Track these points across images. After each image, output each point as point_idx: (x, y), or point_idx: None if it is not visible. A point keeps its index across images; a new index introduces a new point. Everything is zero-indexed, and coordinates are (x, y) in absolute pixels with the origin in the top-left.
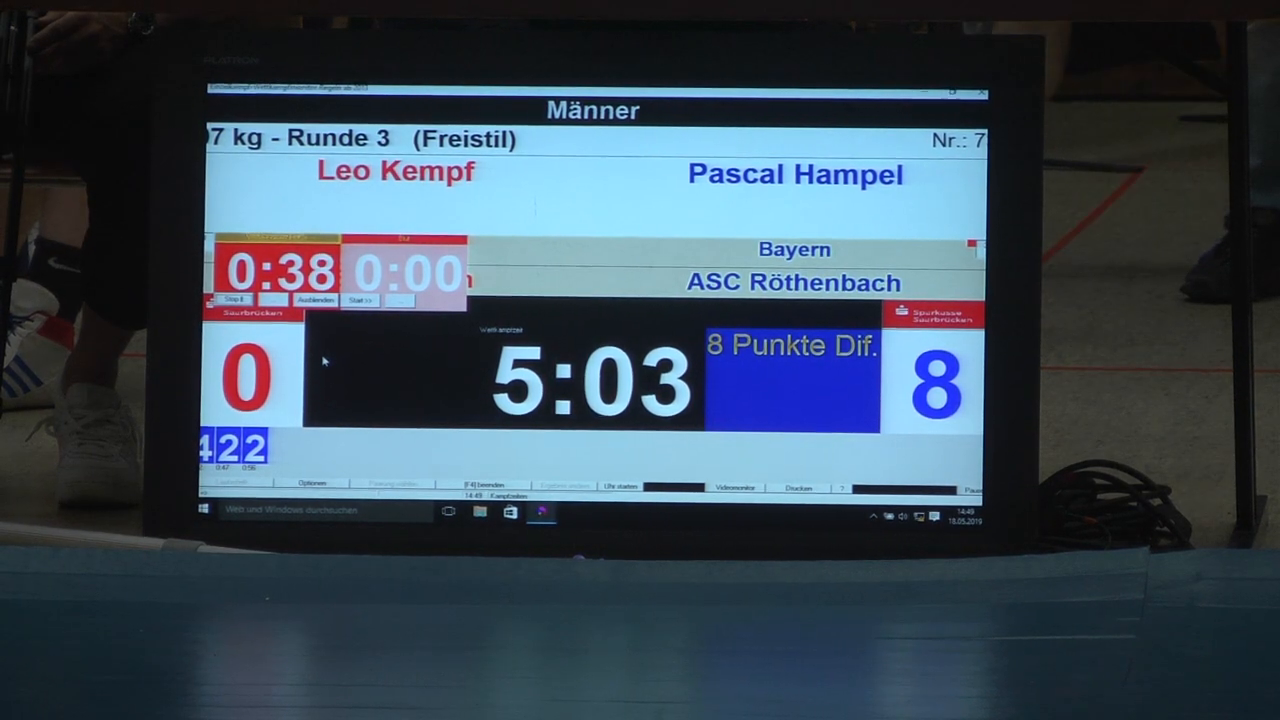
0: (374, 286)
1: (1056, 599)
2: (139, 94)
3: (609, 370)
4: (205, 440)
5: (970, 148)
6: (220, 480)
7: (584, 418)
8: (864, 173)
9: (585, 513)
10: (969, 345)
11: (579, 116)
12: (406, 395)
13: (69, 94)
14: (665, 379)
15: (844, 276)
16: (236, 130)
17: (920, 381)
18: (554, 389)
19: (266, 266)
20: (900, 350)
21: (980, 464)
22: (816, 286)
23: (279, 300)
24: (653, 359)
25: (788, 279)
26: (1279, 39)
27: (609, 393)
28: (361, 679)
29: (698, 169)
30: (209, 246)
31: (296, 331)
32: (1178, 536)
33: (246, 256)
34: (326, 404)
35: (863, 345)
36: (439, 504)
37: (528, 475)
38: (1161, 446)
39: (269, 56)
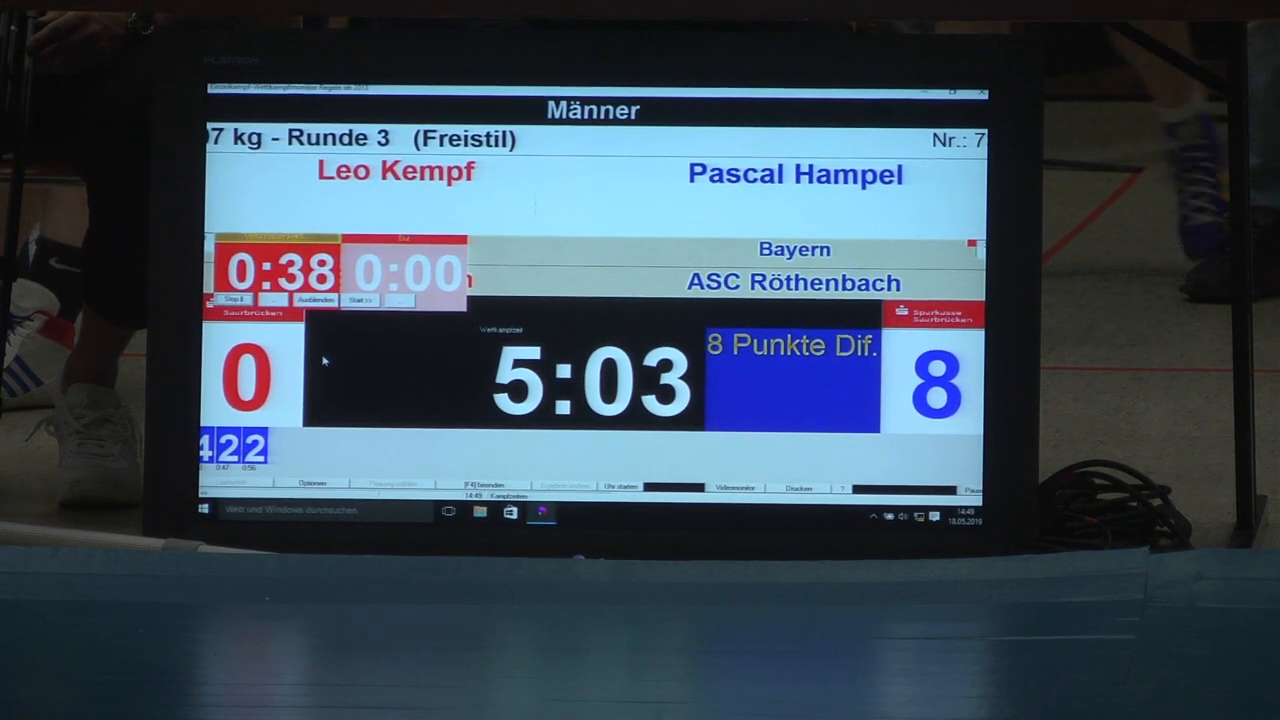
0: (374, 286)
1: (1056, 599)
2: (139, 94)
3: (609, 370)
4: (205, 440)
5: (970, 148)
6: (220, 480)
7: (584, 418)
8: (864, 173)
9: (585, 513)
10: (969, 345)
11: (579, 116)
12: (406, 395)
13: (69, 94)
14: (665, 379)
15: (844, 276)
16: (236, 130)
17: (920, 381)
18: (554, 389)
19: (266, 266)
20: (900, 350)
21: (980, 464)
22: (816, 286)
23: (279, 300)
24: (653, 359)
25: (788, 279)
26: (1278, 39)
27: (609, 393)
28: (361, 679)
29: (698, 169)
30: (209, 246)
31: (296, 331)
32: (1178, 536)
33: (246, 256)
34: (326, 404)
35: (863, 345)
36: (439, 504)
37: (528, 475)
38: (1161, 446)
39: (269, 56)
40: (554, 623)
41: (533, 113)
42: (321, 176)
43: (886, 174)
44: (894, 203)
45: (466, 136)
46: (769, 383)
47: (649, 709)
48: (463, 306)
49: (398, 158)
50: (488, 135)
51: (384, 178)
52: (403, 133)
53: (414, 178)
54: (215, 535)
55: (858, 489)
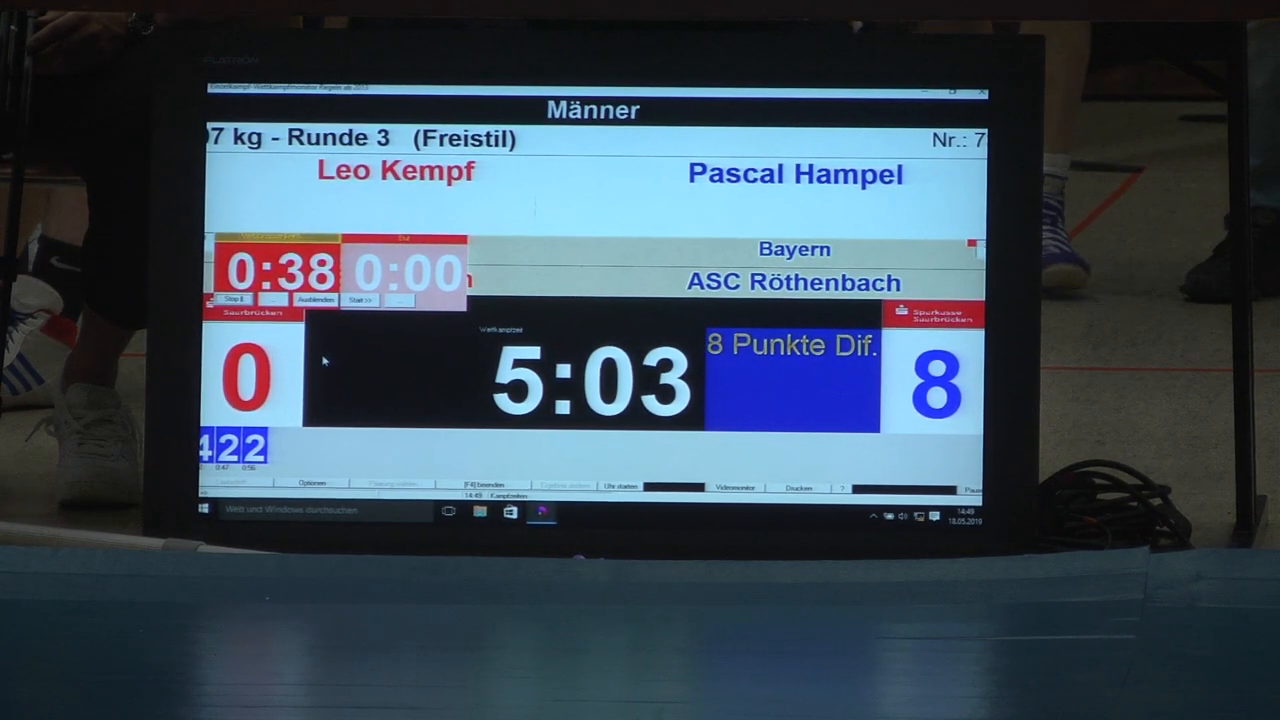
0: (374, 286)
1: (1056, 599)
2: (139, 94)
3: (609, 370)
4: (205, 440)
5: (970, 147)
6: (220, 480)
7: (584, 418)
8: (864, 172)
9: (585, 513)
10: (969, 345)
11: (579, 116)
12: (406, 395)
13: (69, 94)
14: (665, 379)
15: (844, 276)
16: (236, 130)
17: (920, 381)
18: (554, 389)
19: (266, 266)
20: (900, 350)
21: (980, 464)
22: (816, 286)
23: (279, 300)
24: (653, 359)
25: (788, 279)
26: (1278, 39)
27: (609, 393)
28: (361, 679)
29: (698, 169)
30: (209, 246)
31: (296, 331)
32: (1178, 536)
33: (246, 256)
34: (326, 404)
35: (863, 345)
36: (439, 504)
37: (528, 475)
38: (1161, 446)
39: (269, 56)
40: (554, 623)
41: (533, 113)
42: (321, 176)
43: (886, 174)
44: (894, 203)
45: (466, 136)
46: (769, 383)
47: (649, 709)
48: (463, 306)
49: (398, 158)
50: (488, 135)
51: (384, 178)
52: (403, 133)
53: (414, 178)
54: (215, 535)
55: (858, 489)
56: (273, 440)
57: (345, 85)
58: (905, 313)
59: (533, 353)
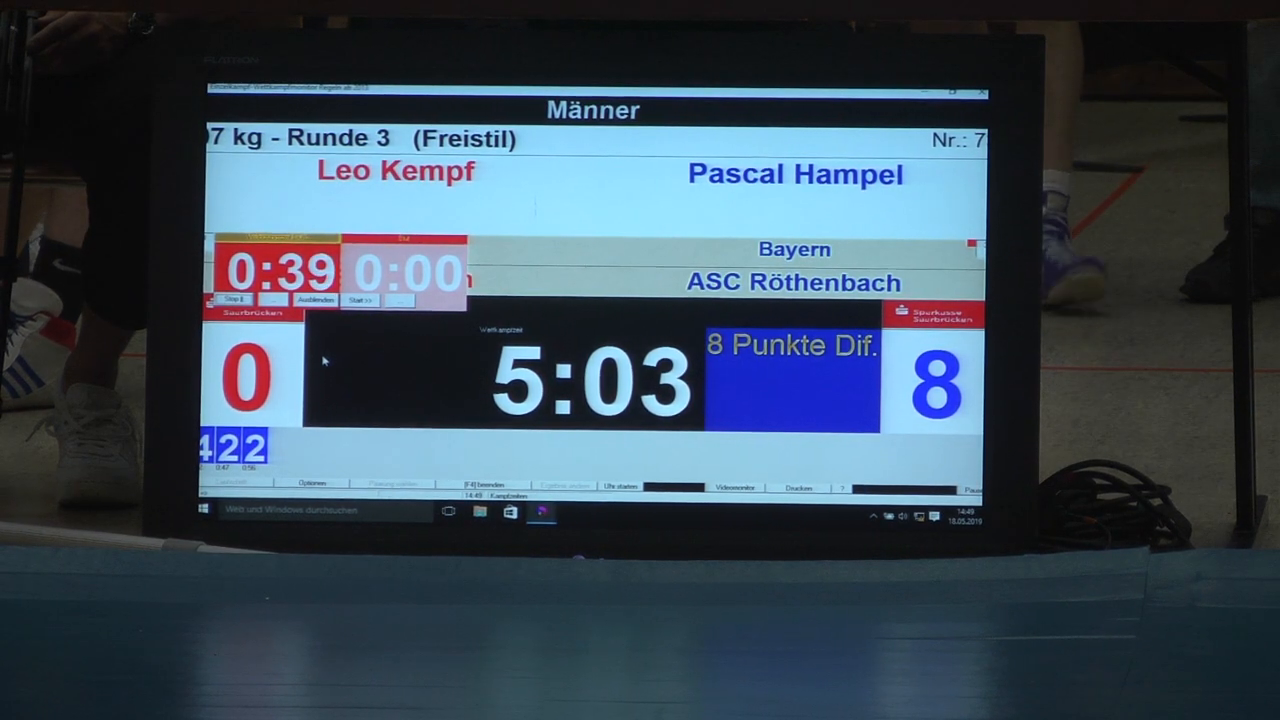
0: (374, 286)
1: (1056, 599)
2: (139, 94)
3: (609, 370)
4: (205, 440)
5: (970, 147)
6: (220, 480)
7: (584, 418)
8: (864, 172)
9: (585, 513)
10: (969, 345)
11: (579, 116)
12: (406, 395)
13: (69, 94)
14: (665, 379)
15: (844, 276)
16: (236, 130)
17: (920, 381)
18: (554, 389)
19: (266, 266)
20: (900, 350)
21: (980, 464)
22: (816, 286)
23: (279, 300)
24: (653, 359)
25: (788, 279)
26: (1278, 39)
27: (609, 393)
28: (361, 679)
29: (698, 169)
30: (209, 246)
31: (296, 331)
32: (1178, 536)
33: (246, 256)
34: (326, 404)
35: (863, 345)
36: (439, 504)
37: (528, 475)
38: (1161, 446)
39: (269, 56)
40: (554, 623)
41: (533, 113)
42: (321, 176)
43: (886, 174)
44: (894, 203)
45: (466, 136)
46: (769, 383)
47: (649, 709)
48: (463, 306)
49: (398, 158)
50: (488, 135)
51: (384, 178)
52: (403, 133)
53: (414, 178)
54: (215, 535)
55: (858, 489)
56: (273, 440)
57: (345, 85)
58: (905, 313)
59: (533, 353)
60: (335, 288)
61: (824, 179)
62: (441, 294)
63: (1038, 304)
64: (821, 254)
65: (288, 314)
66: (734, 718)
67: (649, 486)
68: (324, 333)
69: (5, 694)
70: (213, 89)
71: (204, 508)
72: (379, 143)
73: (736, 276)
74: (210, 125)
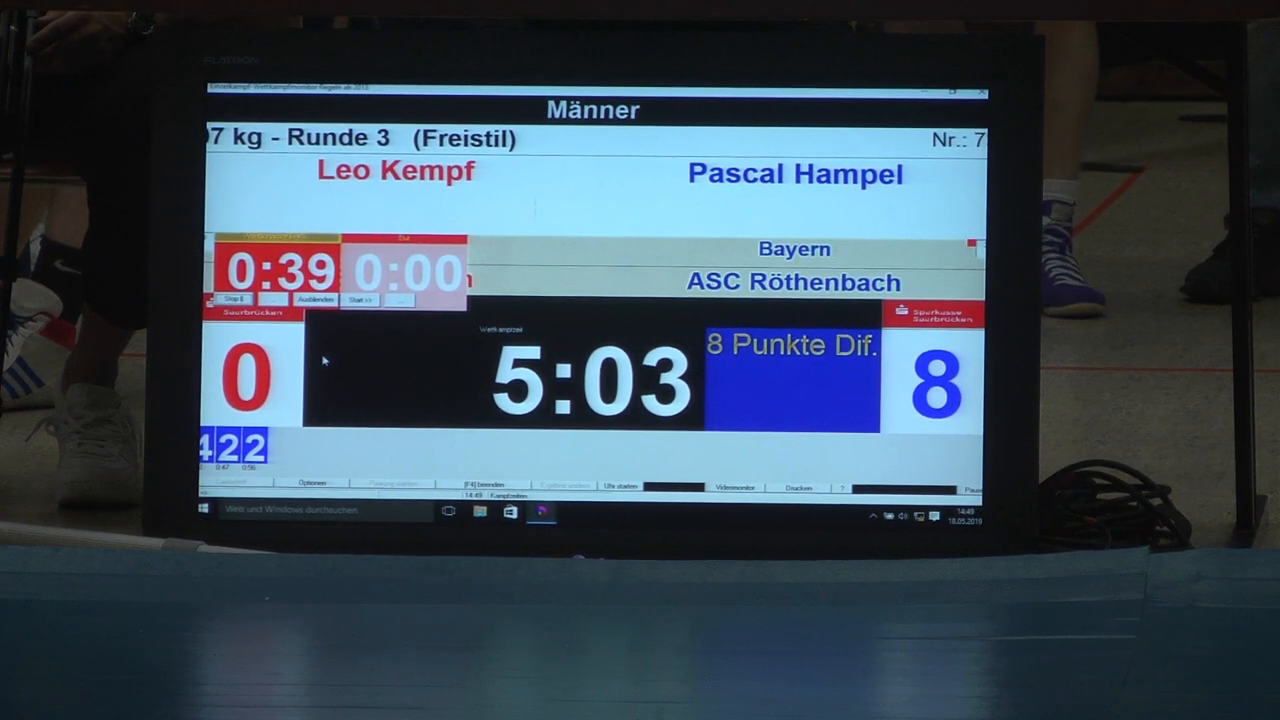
0: (374, 286)
1: (1056, 599)
2: (139, 94)
3: (609, 370)
4: (205, 440)
5: (970, 147)
6: (220, 480)
7: (584, 417)
8: (864, 172)
9: (585, 513)
10: (969, 345)
11: (579, 116)
12: (406, 395)
13: (69, 94)
14: (665, 379)
15: (844, 276)
16: (236, 130)
17: (920, 381)
18: (554, 389)
19: (266, 266)
20: (900, 350)
21: (980, 464)
22: (816, 286)
23: (279, 300)
24: (653, 359)
25: (788, 279)
26: (1278, 39)
27: (609, 392)
28: (361, 679)
29: (698, 169)
30: (209, 246)
31: (296, 331)
32: (1178, 536)
33: (246, 256)
34: (326, 404)
35: (863, 345)
36: (439, 504)
37: (528, 475)
38: (1161, 446)
39: (269, 56)
40: (554, 623)
41: (533, 113)
42: (321, 176)
43: (886, 174)
44: (894, 202)
45: (466, 136)
46: (769, 382)
47: (649, 709)
48: (463, 306)
49: (398, 157)
50: (488, 135)
51: (384, 177)
52: (403, 132)
53: (414, 177)
54: (215, 535)
55: (858, 489)
56: (273, 440)
57: (345, 85)
58: (905, 312)
59: (533, 353)
60: (335, 287)
61: (824, 179)
62: (441, 294)
63: (1038, 304)
64: (821, 254)
65: (288, 314)
66: (734, 718)
67: (649, 486)
68: (324, 333)
69: (5, 694)
70: (213, 89)
71: (204, 508)
72: (379, 142)
73: (736, 276)
74: (210, 125)
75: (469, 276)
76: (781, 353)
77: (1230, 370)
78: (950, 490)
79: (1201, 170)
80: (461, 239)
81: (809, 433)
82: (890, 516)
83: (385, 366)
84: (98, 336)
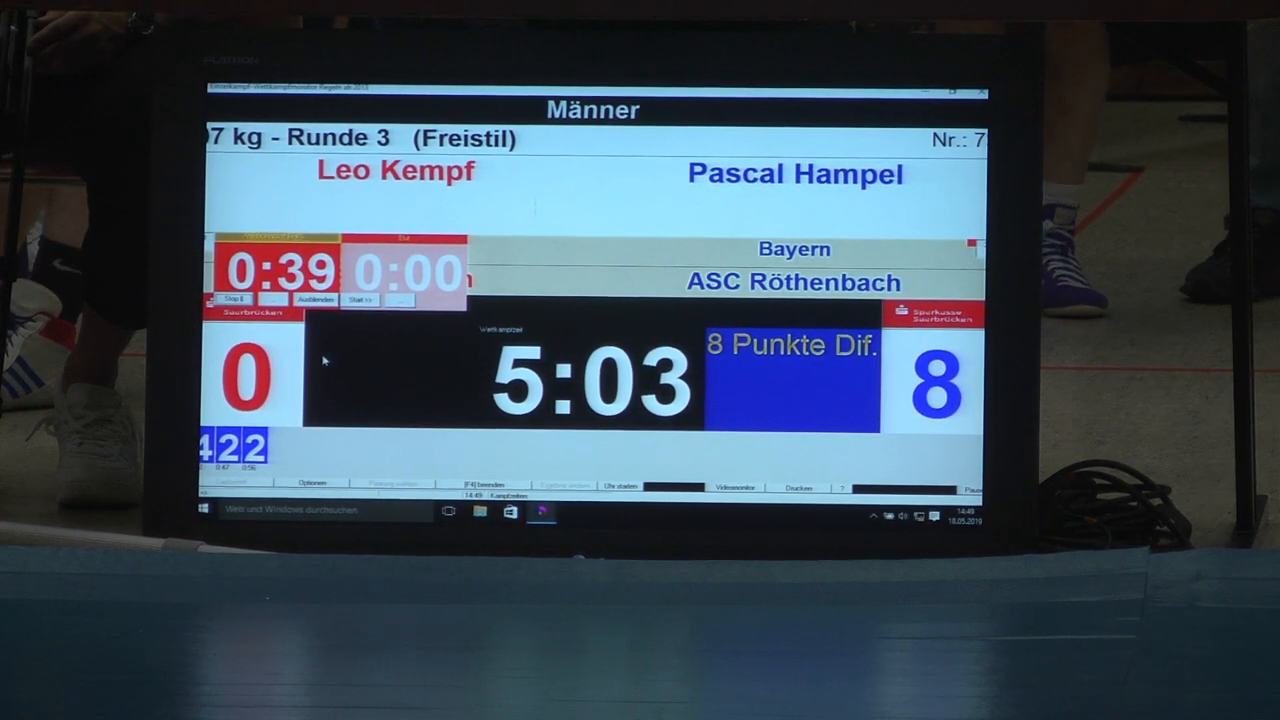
0: (374, 286)
1: (1056, 599)
2: (139, 94)
3: (609, 370)
4: (205, 440)
5: (970, 147)
6: (220, 480)
7: (584, 417)
8: (864, 172)
9: (585, 513)
10: (969, 345)
11: (579, 116)
12: (406, 395)
13: (69, 94)
14: (665, 379)
15: (844, 276)
16: (236, 130)
17: (920, 381)
18: (554, 389)
19: (266, 266)
20: (900, 350)
21: (980, 464)
22: (816, 286)
23: (279, 300)
24: (653, 359)
25: (788, 279)
26: (1279, 39)
27: (609, 392)
28: (361, 679)
29: (698, 169)
30: (209, 246)
31: (296, 331)
32: (1178, 536)
33: (246, 256)
34: (326, 404)
35: (863, 345)
36: (439, 504)
37: (528, 475)
38: (1161, 446)
39: (269, 56)
40: (554, 623)
41: (533, 113)
42: (321, 176)
43: (886, 174)
44: (894, 203)
45: (466, 136)
46: (769, 382)
47: (649, 709)
48: (463, 306)
49: (398, 157)
50: (488, 135)
51: (384, 177)
52: (403, 132)
53: (414, 177)
54: (215, 535)
55: (858, 489)
56: (273, 440)
57: (345, 85)
58: (905, 313)
59: (533, 353)
60: (335, 287)
61: (824, 179)
62: (441, 294)
63: (1038, 304)
64: (821, 254)
65: (288, 314)
66: (734, 718)
67: (649, 486)
68: (324, 333)
69: (5, 694)
70: (213, 89)
71: (204, 508)
72: (379, 142)
73: (736, 276)
74: (210, 125)
75: (469, 276)
76: (781, 353)
77: (1230, 370)
78: (950, 490)
79: (1201, 170)
80: (461, 239)
81: (809, 433)
82: (890, 516)
83: (385, 366)
84: (98, 336)
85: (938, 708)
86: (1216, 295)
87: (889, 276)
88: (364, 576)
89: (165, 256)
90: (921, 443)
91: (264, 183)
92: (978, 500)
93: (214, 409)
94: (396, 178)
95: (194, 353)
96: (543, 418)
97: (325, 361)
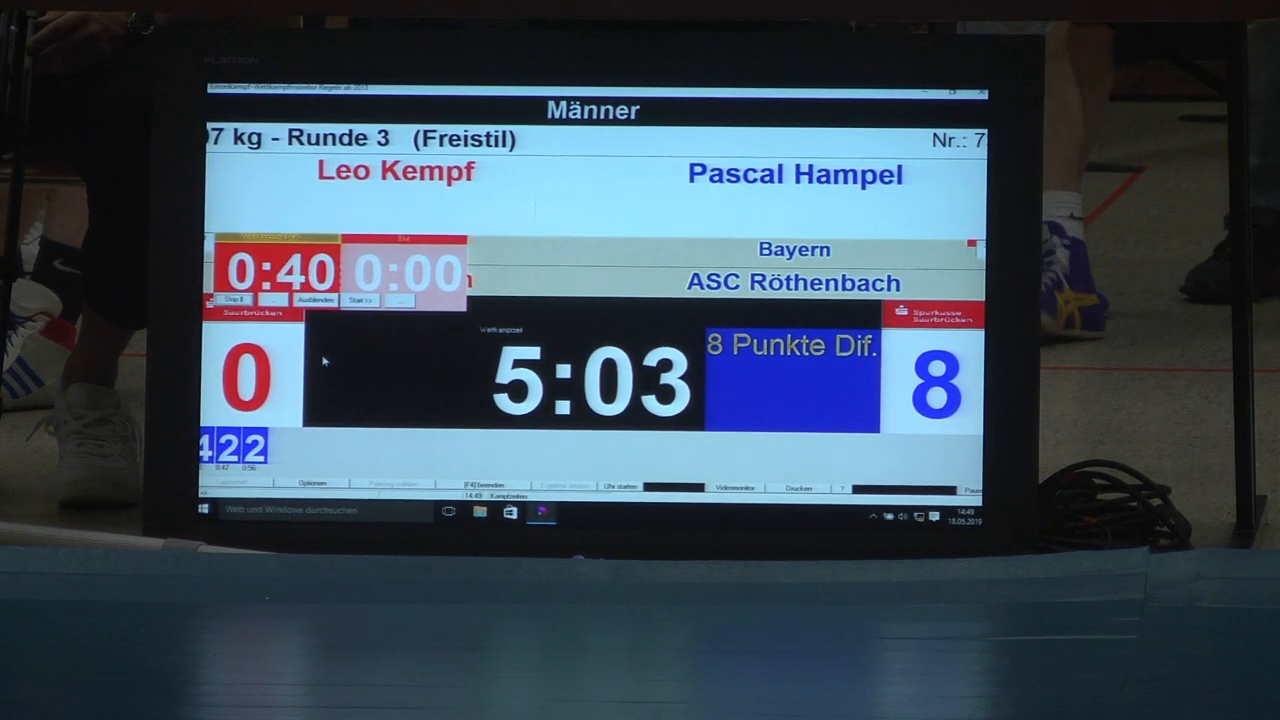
0: (374, 286)
1: (1056, 599)
2: (139, 94)
3: (609, 370)
4: (205, 440)
5: (970, 148)
6: (220, 480)
7: (584, 418)
8: (864, 173)
9: (585, 513)
10: (969, 345)
11: (579, 116)
12: (406, 395)
13: (69, 94)
14: (665, 379)
15: (844, 276)
16: (236, 130)
17: (920, 381)
18: (554, 389)
19: (266, 266)
20: (900, 350)
21: (980, 464)
22: (816, 286)
23: (279, 300)
24: (653, 359)
25: (788, 279)
26: (1279, 39)
27: (609, 393)
28: (361, 679)
29: (698, 169)
30: (209, 246)
31: (296, 331)
32: (1178, 536)
33: (246, 256)
34: (326, 404)
35: (862, 345)
36: (439, 504)
37: (528, 475)
38: (1161, 446)
39: (269, 56)
40: (554, 623)
41: (533, 113)
42: (321, 176)
43: (886, 174)
44: (894, 203)
45: (466, 136)
46: (769, 383)
47: (649, 709)
48: (463, 306)
49: (398, 158)
50: (488, 135)
51: (384, 178)
52: (403, 133)
53: (414, 178)
54: (215, 535)
55: (858, 489)
56: (273, 440)
57: (345, 85)
58: (905, 313)
59: (533, 353)
60: (335, 288)
61: (824, 179)
62: (441, 294)
63: (1038, 304)
64: (821, 254)
65: (288, 314)
66: (734, 718)
67: (649, 486)
68: (324, 333)
69: (5, 694)
70: (213, 89)
71: (204, 508)
72: (379, 143)
73: (736, 276)
74: (210, 125)
75: (469, 277)
76: (781, 353)
77: (1230, 370)
78: (950, 490)
79: (1201, 170)
80: (461, 239)
81: (809, 433)
82: (890, 516)
83: (385, 367)
84: (98, 336)
85: (938, 708)
86: (1216, 295)
87: (889, 277)
88: (364, 576)
89: (165, 256)
90: (921, 443)
91: (264, 183)
92: (978, 500)
93: (214, 409)
94: (396, 178)
95: (194, 353)
96: (543, 418)
97: (325, 362)
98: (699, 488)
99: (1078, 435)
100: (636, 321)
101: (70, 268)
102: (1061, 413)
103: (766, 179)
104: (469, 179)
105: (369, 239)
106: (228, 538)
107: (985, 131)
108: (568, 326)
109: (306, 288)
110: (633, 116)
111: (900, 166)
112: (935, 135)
